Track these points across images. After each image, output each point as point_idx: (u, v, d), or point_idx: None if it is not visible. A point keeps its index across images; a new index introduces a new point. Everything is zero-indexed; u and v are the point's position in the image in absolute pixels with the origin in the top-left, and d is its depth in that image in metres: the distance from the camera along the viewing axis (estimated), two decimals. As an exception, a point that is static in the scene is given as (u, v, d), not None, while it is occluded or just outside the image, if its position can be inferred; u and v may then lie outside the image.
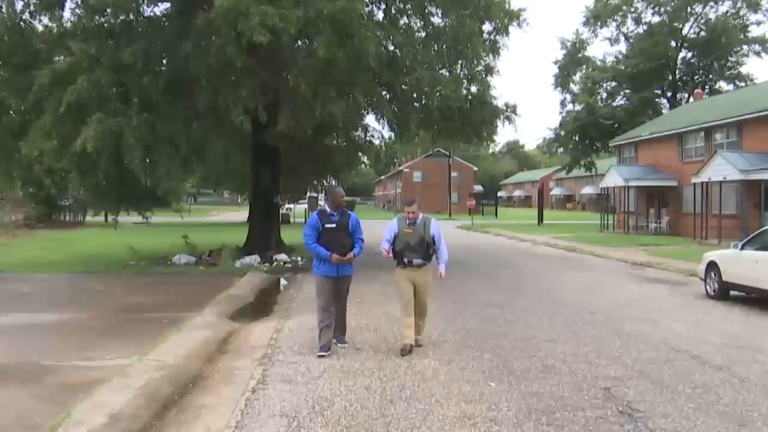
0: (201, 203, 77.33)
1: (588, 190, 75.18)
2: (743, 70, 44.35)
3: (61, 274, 14.31)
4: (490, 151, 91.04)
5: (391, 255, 6.95)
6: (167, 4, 15.82)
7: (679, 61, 44.84)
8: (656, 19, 44.60)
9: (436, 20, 16.31)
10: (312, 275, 7.44)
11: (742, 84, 42.52)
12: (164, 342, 7.17)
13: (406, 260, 6.98)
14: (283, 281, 13.70)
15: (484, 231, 35.37)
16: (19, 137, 15.36)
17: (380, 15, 16.32)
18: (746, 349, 7.31)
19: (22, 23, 14.80)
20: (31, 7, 14.74)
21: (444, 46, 15.55)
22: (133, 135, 13.07)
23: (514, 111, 17.74)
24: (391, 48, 15.31)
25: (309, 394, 5.42)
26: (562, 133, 45.26)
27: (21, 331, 8.02)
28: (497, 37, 16.88)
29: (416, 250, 6.93)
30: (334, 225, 6.87)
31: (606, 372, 6.20)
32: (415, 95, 16.28)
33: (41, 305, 10.04)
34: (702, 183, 24.88)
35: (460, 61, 16.46)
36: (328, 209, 7.04)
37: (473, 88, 17.33)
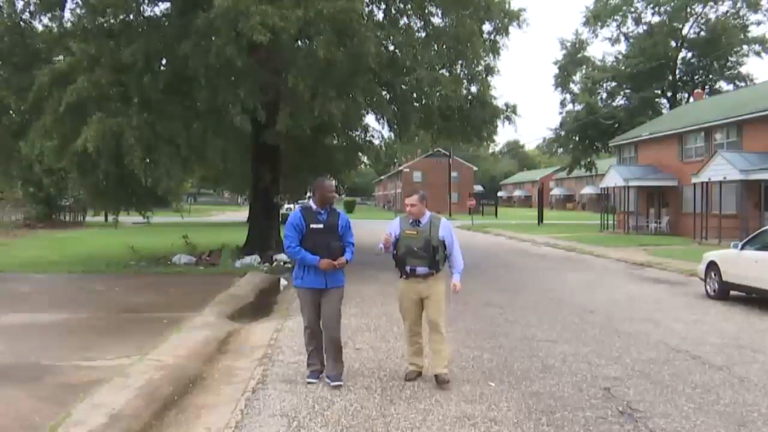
0: (201, 203, 77.51)
1: (588, 190, 75.24)
2: (743, 70, 44.46)
3: (61, 274, 14.29)
4: (490, 151, 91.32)
5: (390, 247, 5.75)
6: (167, 4, 15.83)
7: (679, 61, 44.84)
8: (656, 19, 44.65)
9: (436, 20, 16.35)
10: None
11: (742, 84, 42.53)
12: (164, 342, 7.16)
13: (408, 269, 5.70)
14: (283, 281, 13.67)
15: (484, 231, 35.37)
16: (19, 137, 15.37)
17: (380, 15, 16.34)
18: (746, 349, 7.31)
19: (22, 23, 14.80)
20: (31, 7, 14.74)
21: (444, 46, 15.55)
22: (133, 135, 13.06)
23: (514, 111, 17.78)
24: (391, 48, 15.30)
25: (309, 394, 5.42)
26: (562, 133, 45.26)
27: (21, 331, 8.01)
28: (497, 37, 16.94)
29: (420, 256, 5.64)
30: (321, 225, 5.63)
31: (606, 372, 6.20)
32: (415, 95, 16.27)
33: (41, 305, 10.03)
34: (702, 183, 24.89)
35: (460, 61, 16.47)
36: (313, 206, 5.75)
37: (473, 88, 17.35)
